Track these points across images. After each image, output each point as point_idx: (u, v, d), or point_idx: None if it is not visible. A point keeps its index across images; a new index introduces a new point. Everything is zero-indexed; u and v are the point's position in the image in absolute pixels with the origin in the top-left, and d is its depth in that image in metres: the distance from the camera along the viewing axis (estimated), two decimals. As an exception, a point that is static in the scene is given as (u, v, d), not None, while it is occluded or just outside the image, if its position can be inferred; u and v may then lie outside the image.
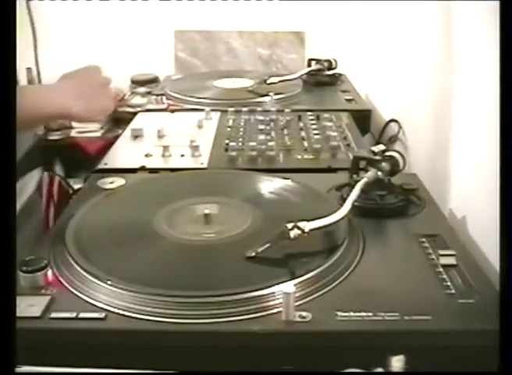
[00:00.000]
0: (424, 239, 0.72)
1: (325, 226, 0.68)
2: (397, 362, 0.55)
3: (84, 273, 0.63)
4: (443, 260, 0.67)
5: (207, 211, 0.75)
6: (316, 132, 1.13)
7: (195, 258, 0.68)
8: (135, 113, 1.31)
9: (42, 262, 0.63)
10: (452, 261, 0.66)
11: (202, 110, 1.25)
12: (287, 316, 0.57)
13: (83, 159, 1.23)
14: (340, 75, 1.55)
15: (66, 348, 0.56)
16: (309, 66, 1.55)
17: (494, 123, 0.62)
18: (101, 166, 0.99)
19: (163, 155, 1.02)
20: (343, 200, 0.76)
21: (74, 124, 1.29)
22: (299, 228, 0.66)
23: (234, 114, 1.25)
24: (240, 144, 1.07)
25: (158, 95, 1.39)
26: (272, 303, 0.59)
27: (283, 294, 0.57)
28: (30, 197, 1.01)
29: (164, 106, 1.33)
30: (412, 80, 1.18)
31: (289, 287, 0.57)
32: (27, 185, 1.00)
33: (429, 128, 1.06)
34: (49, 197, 1.39)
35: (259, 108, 1.27)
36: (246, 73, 1.60)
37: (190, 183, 0.90)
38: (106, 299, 0.60)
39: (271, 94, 1.34)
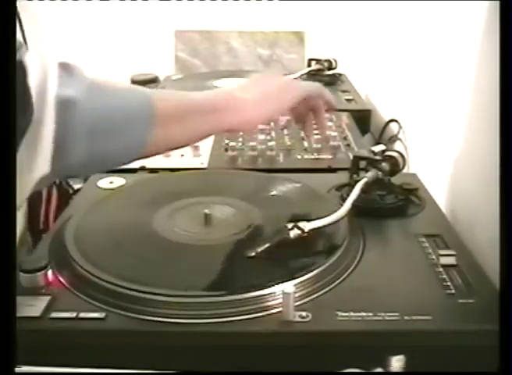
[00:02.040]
0: (424, 239, 0.72)
1: (325, 226, 0.68)
2: (397, 362, 0.55)
3: (84, 273, 0.63)
4: (443, 260, 0.67)
5: (207, 211, 0.75)
6: (316, 132, 1.13)
7: (195, 258, 0.68)
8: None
9: (42, 262, 0.63)
10: (452, 261, 0.66)
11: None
12: (287, 316, 0.56)
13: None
14: (340, 75, 1.55)
15: (66, 348, 0.56)
16: (309, 66, 1.55)
17: (494, 122, 0.62)
18: (101, 166, 0.99)
19: (163, 155, 1.02)
20: (343, 200, 0.76)
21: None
22: (299, 228, 0.66)
23: (234, 114, 1.25)
24: (240, 144, 1.07)
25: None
26: (272, 303, 0.59)
27: (283, 294, 0.57)
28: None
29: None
30: (412, 80, 1.18)
31: (289, 287, 0.57)
32: None
33: (429, 128, 1.06)
34: (49, 197, 1.39)
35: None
36: (246, 73, 1.60)
37: (190, 183, 0.90)
38: (106, 299, 0.60)
39: (271, 94, 1.34)
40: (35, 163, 0.52)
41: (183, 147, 0.71)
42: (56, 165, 0.54)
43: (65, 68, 0.56)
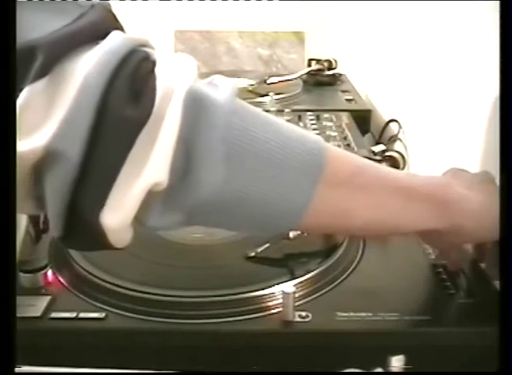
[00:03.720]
0: (424, 239, 0.72)
1: (325, 226, 0.68)
2: (397, 362, 0.55)
3: (84, 273, 0.63)
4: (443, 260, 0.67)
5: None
6: (316, 132, 1.13)
7: (195, 258, 0.68)
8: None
9: (42, 262, 0.63)
10: (452, 261, 0.66)
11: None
12: (287, 316, 0.56)
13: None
14: (340, 75, 1.55)
15: (66, 348, 0.56)
16: (309, 66, 1.55)
17: (494, 122, 0.62)
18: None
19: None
20: (343, 200, 0.76)
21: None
22: (299, 228, 0.66)
23: (234, 114, 1.24)
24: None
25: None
26: (271, 303, 0.59)
27: (283, 294, 0.57)
28: None
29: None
30: (412, 80, 1.18)
31: (289, 287, 0.57)
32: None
33: (429, 128, 1.06)
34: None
35: (259, 109, 1.27)
36: (246, 73, 1.60)
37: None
38: (106, 299, 0.60)
39: (271, 94, 1.34)
40: (146, 166, 0.41)
41: (352, 234, 0.57)
42: (182, 186, 0.42)
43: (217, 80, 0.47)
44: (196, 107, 0.42)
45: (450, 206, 0.52)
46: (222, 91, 0.44)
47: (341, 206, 0.49)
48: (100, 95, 0.40)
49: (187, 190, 0.42)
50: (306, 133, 0.50)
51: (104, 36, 0.43)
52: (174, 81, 0.42)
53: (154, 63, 0.44)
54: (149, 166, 0.41)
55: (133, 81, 0.41)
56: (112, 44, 0.42)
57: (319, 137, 0.50)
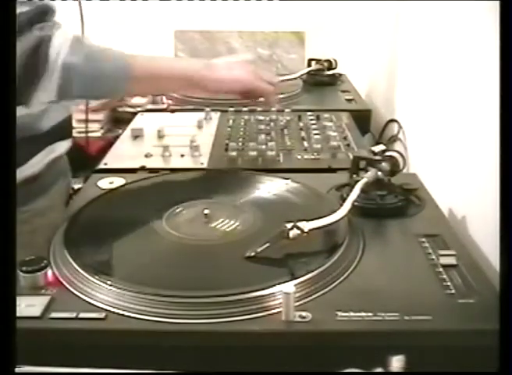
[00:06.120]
0: (424, 239, 0.72)
1: (325, 226, 0.68)
2: (397, 362, 0.55)
3: (84, 273, 0.63)
4: (443, 260, 0.67)
5: (207, 211, 0.75)
6: (316, 132, 1.13)
7: (195, 258, 0.68)
8: (135, 113, 1.31)
9: (42, 262, 0.63)
10: (452, 261, 0.66)
11: (202, 110, 1.25)
12: (287, 316, 0.56)
13: (83, 159, 1.22)
14: (340, 75, 1.56)
15: (66, 348, 0.56)
16: (309, 66, 1.55)
17: (494, 122, 0.62)
18: (101, 166, 0.99)
19: (163, 155, 1.02)
20: (343, 200, 0.76)
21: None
22: (298, 228, 0.66)
23: (234, 114, 1.25)
24: (240, 144, 1.07)
25: (157, 95, 1.39)
26: (271, 303, 0.59)
27: (283, 295, 0.57)
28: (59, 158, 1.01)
29: (164, 106, 1.34)
30: (412, 80, 1.18)
31: (289, 287, 0.57)
32: (57, 149, 0.99)
33: (429, 128, 1.06)
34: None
35: (259, 109, 1.27)
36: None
37: (190, 183, 0.90)
38: (106, 299, 0.60)
39: (271, 94, 1.34)
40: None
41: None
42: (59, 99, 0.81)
43: (77, 40, 0.82)
44: (66, 69, 0.81)
45: (202, 82, 0.95)
46: (80, 52, 0.83)
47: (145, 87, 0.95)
48: None
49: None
50: (117, 57, 0.92)
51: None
52: (59, 54, 0.79)
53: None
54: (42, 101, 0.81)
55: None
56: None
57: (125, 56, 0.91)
